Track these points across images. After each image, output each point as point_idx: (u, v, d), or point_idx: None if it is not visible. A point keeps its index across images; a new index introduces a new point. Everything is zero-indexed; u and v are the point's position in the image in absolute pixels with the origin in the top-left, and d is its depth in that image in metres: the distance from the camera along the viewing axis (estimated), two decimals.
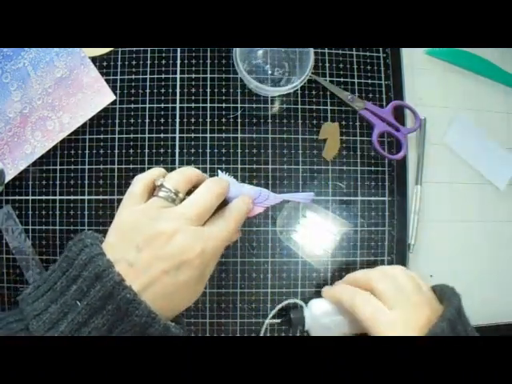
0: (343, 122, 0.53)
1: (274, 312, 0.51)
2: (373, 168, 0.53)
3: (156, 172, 0.38)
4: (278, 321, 0.51)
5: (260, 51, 0.54)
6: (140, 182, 0.37)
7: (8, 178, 0.51)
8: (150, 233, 0.33)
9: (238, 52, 0.47)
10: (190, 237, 0.34)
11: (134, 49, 0.53)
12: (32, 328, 0.31)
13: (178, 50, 0.53)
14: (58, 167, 0.52)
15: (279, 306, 0.51)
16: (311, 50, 0.48)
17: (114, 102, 0.52)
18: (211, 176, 0.41)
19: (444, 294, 0.41)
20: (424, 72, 0.56)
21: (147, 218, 0.34)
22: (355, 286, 0.44)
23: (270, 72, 0.53)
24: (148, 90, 0.52)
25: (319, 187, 0.52)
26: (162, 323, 0.31)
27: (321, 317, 0.47)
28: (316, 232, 0.52)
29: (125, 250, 0.33)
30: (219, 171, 0.51)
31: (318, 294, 0.49)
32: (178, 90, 0.52)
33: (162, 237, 0.33)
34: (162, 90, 0.52)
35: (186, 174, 0.38)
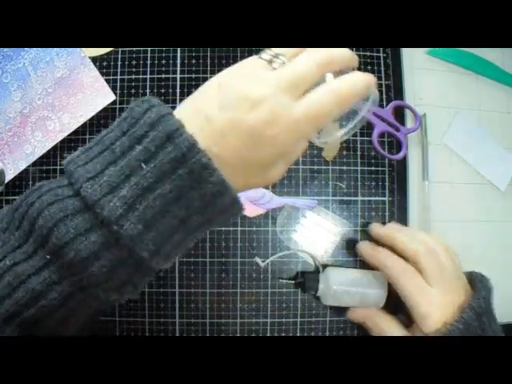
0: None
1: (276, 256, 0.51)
2: (373, 168, 0.53)
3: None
4: (292, 282, 0.51)
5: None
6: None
7: (8, 178, 0.51)
8: (237, 93, 0.29)
9: None
10: (278, 108, 0.29)
11: (134, 49, 0.53)
12: (85, 192, 0.27)
13: (178, 49, 0.53)
14: (58, 167, 0.52)
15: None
16: None
17: (114, 102, 0.52)
18: None
19: (473, 282, 0.44)
20: (424, 72, 0.56)
21: (237, 75, 0.31)
22: (399, 252, 0.46)
23: None
24: (148, 90, 0.52)
25: (319, 187, 0.52)
26: (233, 194, 0.29)
27: (335, 287, 0.48)
28: (316, 232, 0.52)
29: (207, 103, 0.30)
30: None
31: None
32: (178, 90, 0.52)
33: (248, 101, 0.29)
34: (162, 90, 0.52)
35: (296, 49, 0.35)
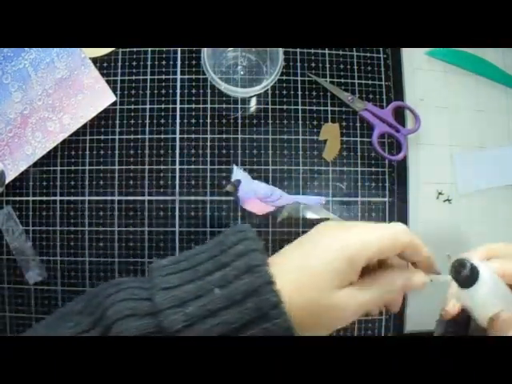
0: (343, 123, 0.53)
1: None
2: (373, 169, 0.53)
3: None
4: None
5: (235, 53, 0.54)
6: None
7: (8, 178, 0.51)
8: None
9: (206, 53, 0.47)
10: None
11: (135, 49, 0.53)
12: (156, 299, 0.29)
13: (179, 50, 0.53)
14: (59, 168, 0.52)
15: None
16: (280, 50, 0.48)
17: (114, 103, 0.52)
18: (216, 174, 0.40)
19: None
20: (424, 73, 0.56)
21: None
22: None
23: (242, 73, 0.53)
24: (148, 91, 0.52)
25: (319, 188, 0.52)
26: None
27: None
28: None
29: (288, 259, 0.32)
30: (234, 166, 0.51)
31: None
32: (178, 91, 0.52)
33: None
34: (163, 91, 0.52)
35: None
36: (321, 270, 0.31)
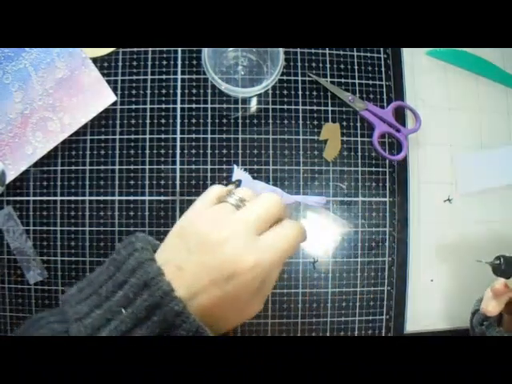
0: (344, 123, 0.53)
1: None
2: (373, 169, 0.53)
3: (230, 187, 0.37)
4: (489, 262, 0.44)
5: (235, 53, 0.54)
6: (214, 189, 0.36)
7: (9, 178, 0.51)
8: (204, 237, 0.31)
9: (206, 53, 0.47)
10: (244, 245, 0.31)
11: (135, 49, 0.53)
12: (72, 332, 0.29)
13: (179, 50, 0.53)
14: (59, 168, 0.52)
15: None
16: (281, 50, 0.48)
17: (114, 103, 0.52)
18: (217, 174, 0.40)
19: None
20: (425, 73, 0.56)
21: (206, 221, 0.33)
22: None
23: (242, 73, 0.53)
24: (149, 91, 0.52)
25: (320, 188, 0.52)
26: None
27: None
28: (316, 232, 0.52)
29: (176, 252, 0.32)
30: (235, 166, 0.51)
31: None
32: (178, 91, 0.52)
33: (214, 242, 0.31)
34: (163, 91, 0.52)
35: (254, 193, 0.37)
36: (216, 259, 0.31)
